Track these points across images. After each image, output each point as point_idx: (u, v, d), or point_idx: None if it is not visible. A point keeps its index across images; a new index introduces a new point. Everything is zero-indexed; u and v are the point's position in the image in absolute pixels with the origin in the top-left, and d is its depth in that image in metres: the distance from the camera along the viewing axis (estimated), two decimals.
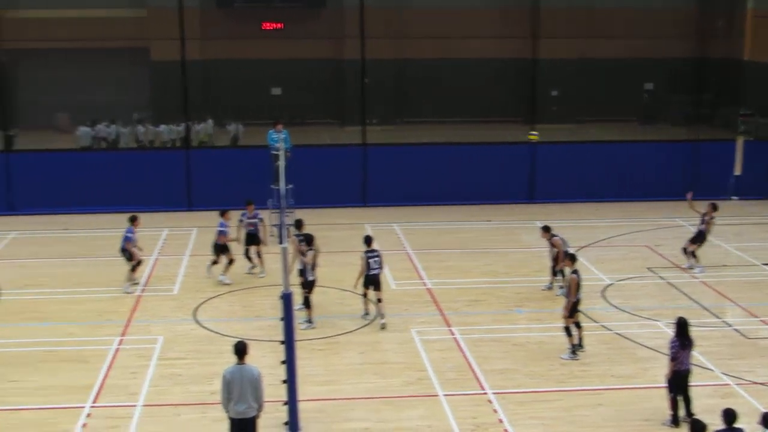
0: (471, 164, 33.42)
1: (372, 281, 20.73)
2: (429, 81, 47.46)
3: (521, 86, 41.49)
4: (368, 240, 21.08)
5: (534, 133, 23.62)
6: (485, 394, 17.20)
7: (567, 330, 18.82)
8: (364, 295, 21.15)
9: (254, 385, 13.78)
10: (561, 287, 22.11)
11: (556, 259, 22.65)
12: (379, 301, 20.77)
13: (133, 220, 23.75)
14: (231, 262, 23.77)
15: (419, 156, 33.80)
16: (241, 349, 13.99)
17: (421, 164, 33.34)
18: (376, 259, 20.75)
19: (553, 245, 22.81)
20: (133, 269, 23.53)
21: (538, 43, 38.95)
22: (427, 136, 38.30)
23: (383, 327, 20.47)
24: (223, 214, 24.02)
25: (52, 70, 45.12)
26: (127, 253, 23.41)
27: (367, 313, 21.20)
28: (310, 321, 20.57)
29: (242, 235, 24.60)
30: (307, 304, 20.60)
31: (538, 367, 18.44)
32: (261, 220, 24.94)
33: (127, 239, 23.39)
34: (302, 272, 20.81)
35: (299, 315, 20.07)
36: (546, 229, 23.03)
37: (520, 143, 34.81)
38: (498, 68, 46.79)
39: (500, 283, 24.01)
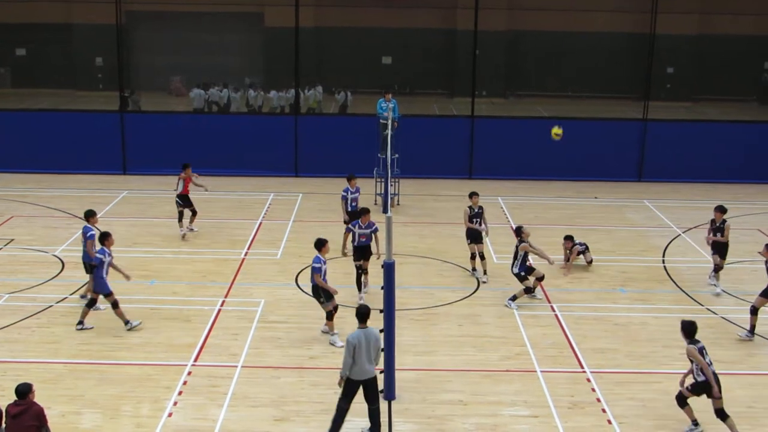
0: (580, 140, 32.96)
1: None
2: (541, 54, 46.75)
3: (636, 62, 40.57)
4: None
5: (557, 130, 22.72)
6: (584, 372, 17.02)
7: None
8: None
9: (377, 346, 14.25)
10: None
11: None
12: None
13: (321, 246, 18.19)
14: None
15: (527, 130, 33.48)
16: (364, 313, 14.30)
17: (529, 138, 33.02)
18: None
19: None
20: None
21: (656, 18, 37.99)
22: (536, 111, 37.90)
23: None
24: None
25: (168, 32, 45.77)
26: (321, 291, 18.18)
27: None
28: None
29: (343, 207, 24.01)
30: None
31: (639, 348, 18.15)
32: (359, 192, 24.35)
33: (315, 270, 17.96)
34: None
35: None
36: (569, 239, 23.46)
37: (631, 120, 34.28)
38: (612, 43, 45.82)
39: (605, 262, 23.67)
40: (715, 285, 21.58)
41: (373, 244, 20.38)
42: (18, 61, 44.50)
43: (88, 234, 19.41)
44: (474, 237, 22.09)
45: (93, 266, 18.57)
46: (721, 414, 14.54)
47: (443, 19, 46.26)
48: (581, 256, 23.28)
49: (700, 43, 45.00)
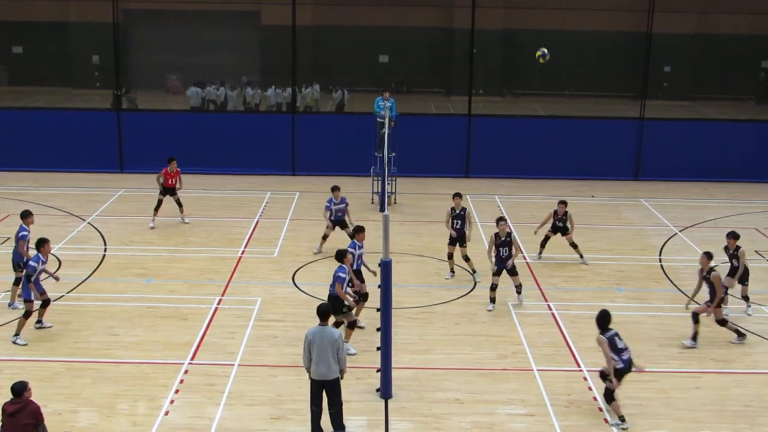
0: (577, 138, 33.05)
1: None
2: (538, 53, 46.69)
3: (633, 61, 40.61)
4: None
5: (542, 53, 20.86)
6: (580, 371, 17.03)
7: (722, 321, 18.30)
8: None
9: (334, 347, 13.97)
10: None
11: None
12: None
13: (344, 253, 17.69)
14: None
15: (524, 128, 33.52)
16: (323, 312, 14.21)
17: (526, 137, 33.07)
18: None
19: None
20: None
21: (654, 17, 38.00)
22: (533, 109, 37.92)
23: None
24: None
25: (165, 31, 45.73)
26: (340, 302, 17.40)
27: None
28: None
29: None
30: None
31: (635, 347, 17.96)
32: (347, 205, 23.55)
33: (338, 279, 17.18)
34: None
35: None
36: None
37: (628, 119, 34.27)
38: (610, 41, 45.84)
39: (601, 260, 23.67)
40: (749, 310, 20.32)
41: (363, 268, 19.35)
42: (15, 59, 44.46)
43: (20, 234, 19.13)
44: (453, 239, 21.74)
45: (21, 267, 18.35)
46: (609, 395, 15.02)
47: (440, 18, 46.24)
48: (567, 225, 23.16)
49: (697, 42, 44.99)
